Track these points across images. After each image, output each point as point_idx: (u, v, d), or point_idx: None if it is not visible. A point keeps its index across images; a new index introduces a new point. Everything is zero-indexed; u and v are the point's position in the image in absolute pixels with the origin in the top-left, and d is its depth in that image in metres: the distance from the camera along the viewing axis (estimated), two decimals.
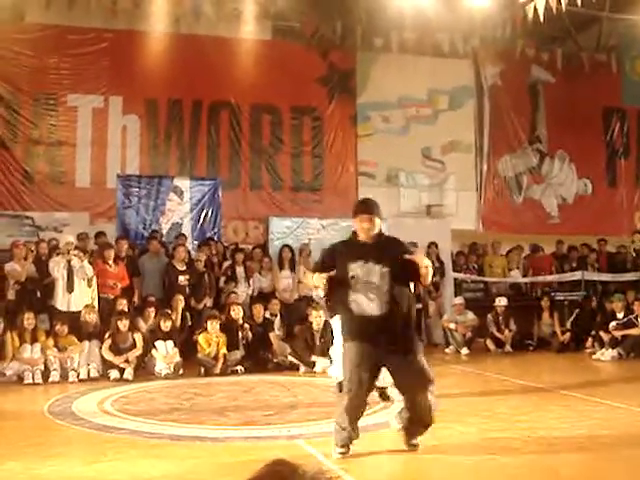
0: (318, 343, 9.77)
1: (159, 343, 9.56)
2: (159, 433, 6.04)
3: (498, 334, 12.12)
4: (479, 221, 15.90)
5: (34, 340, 9.20)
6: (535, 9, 12.17)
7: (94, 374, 9.18)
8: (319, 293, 7.29)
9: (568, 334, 12.07)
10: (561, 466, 5.06)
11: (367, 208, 5.26)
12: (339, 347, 7.19)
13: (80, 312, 9.83)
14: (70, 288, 9.99)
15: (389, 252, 5.17)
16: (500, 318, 12.23)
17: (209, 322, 9.70)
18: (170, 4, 13.30)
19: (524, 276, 14.27)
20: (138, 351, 9.46)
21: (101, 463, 5.14)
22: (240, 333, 10.01)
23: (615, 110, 16.92)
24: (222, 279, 11.84)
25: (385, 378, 7.08)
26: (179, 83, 14.12)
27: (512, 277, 14.15)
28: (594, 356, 11.15)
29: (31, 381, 8.78)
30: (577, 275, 13.62)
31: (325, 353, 9.51)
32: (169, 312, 10.15)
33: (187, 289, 11.06)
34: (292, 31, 14.77)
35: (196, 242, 12.58)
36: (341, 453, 5.14)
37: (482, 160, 16.07)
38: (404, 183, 15.38)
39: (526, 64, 16.15)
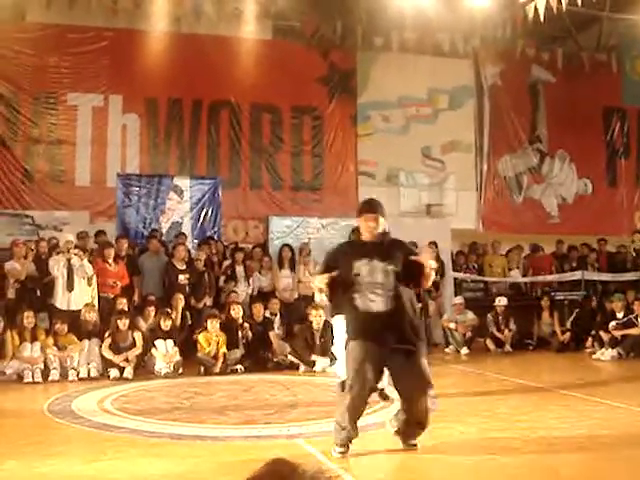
0: (318, 342, 9.77)
1: (159, 342, 9.56)
2: (159, 432, 6.04)
3: (498, 334, 12.12)
4: (479, 221, 15.90)
5: (34, 339, 9.20)
6: (535, 9, 12.17)
7: (94, 373, 9.18)
8: (322, 297, 7.28)
9: (568, 334, 12.07)
10: (561, 466, 5.06)
11: (372, 207, 5.33)
12: (342, 346, 7.21)
13: (80, 311, 9.83)
14: (70, 287, 10.00)
15: (393, 251, 5.22)
16: (500, 318, 12.22)
17: (209, 321, 9.70)
18: (171, 3, 13.29)
19: (524, 276, 14.27)
20: (138, 350, 9.46)
21: (101, 462, 5.14)
22: (240, 332, 10.01)
23: (615, 110, 16.91)
24: (222, 278, 11.84)
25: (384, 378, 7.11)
26: (179, 82, 14.11)
27: (512, 277, 14.15)
28: (594, 356, 11.15)
29: (31, 380, 8.78)
30: (577, 275, 13.62)
31: (325, 352, 9.52)
32: (169, 311, 10.15)
33: (187, 288, 11.07)
34: (292, 31, 14.77)
35: (196, 241, 12.58)
36: (340, 452, 5.14)
37: (482, 160, 16.07)
38: (404, 183, 15.38)
39: (526, 64, 16.14)
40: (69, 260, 10.02)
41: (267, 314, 10.75)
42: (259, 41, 14.52)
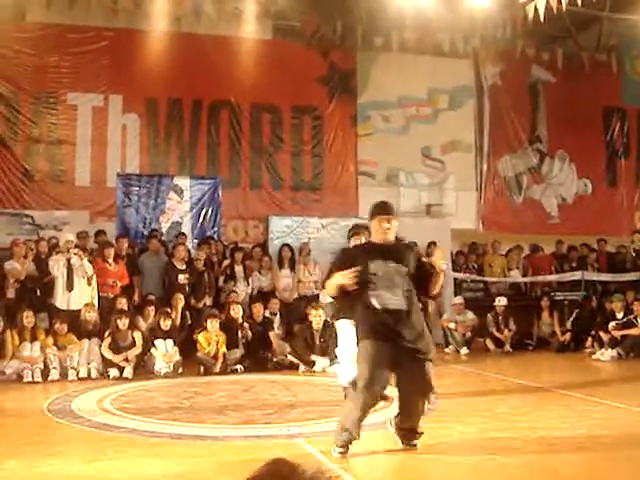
0: (318, 342, 9.77)
1: (159, 342, 9.56)
2: (159, 432, 6.04)
3: (498, 334, 12.12)
4: (479, 221, 15.91)
5: (34, 338, 9.20)
6: (535, 9, 12.17)
7: (94, 373, 9.18)
8: (327, 298, 7.24)
9: (568, 334, 12.07)
10: (561, 466, 5.06)
11: (386, 209, 5.32)
12: (348, 347, 7.19)
13: (80, 311, 9.83)
14: (70, 287, 10.00)
15: (406, 254, 5.26)
16: (500, 318, 12.23)
17: (209, 321, 9.70)
18: (171, 3, 13.29)
19: (524, 276, 14.27)
20: (138, 350, 9.46)
21: (101, 462, 5.14)
22: (240, 332, 10.01)
23: (615, 110, 16.91)
24: (221, 278, 11.84)
25: None
26: (179, 82, 14.11)
27: (512, 277, 14.15)
28: (594, 356, 11.16)
29: (31, 379, 8.78)
30: (577, 275, 13.62)
31: (325, 352, 9.52)
32: (169, 311, 10.15)
33: (187, 288, 11.07)
34: (293, 30, 14.77)
35: (196, 241, 12.57)
36: (340, 453, 5.13)
37: (482, 160, 16.08)
38: (404, 182, 15.38)
39: (526, 64, 16.14)
40: (69, 260, 10.02)
41: (267, 314, 10.76)
42: (259, 41, 14.52)
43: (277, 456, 1.81)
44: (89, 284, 10.15)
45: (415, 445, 5.25)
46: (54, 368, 9.02)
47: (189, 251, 11.78)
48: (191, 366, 9.58)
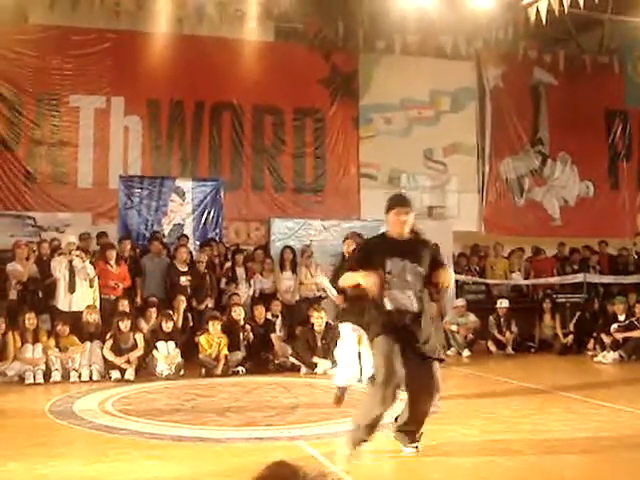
0: (319, 344, 9.76)
1: (160, 344, 9.56)
2: (160, 434, 6.03)
3: (499, 336, 12.12)
4: (481, 223, 15.91)
5: (35, 340, 9.20)
6: (537, 11, 12.19)
7: (96, 375, 9.17)
8: (333, 292, 7.23)
9: (570, 336, 12.06)
10: (563, 468, 5.05)
11: (403, 202, 5.26)
12: (347, 351, 7.21)
13: (82, 312, 9.83)
14: (72, 288, 10.00)
15: (423, 252, 5.20)
16: (501, 320, 12.22)
17: (210, 323, 9.70)
18: (173, 5, 13.30)
19: (526, 278, 14.25)
20: (139, 352, 9.46)
21: (102, 463, 5.14)
22: (241, 334, 10.01)
23: (617, 112, 16.91)
24: (223, 280, 11.84)
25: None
26: (181, 84, 14.14)
27: (514, 279, 14.14)
28: (596, 358, 11.14)
29: (32, 381, 8.78)
30: (579, 277, 13.61)
31: (326, 354, 9.51)
32: (170, 313, 10.15)
33: (188, 290, 11.07)
34: (295, 32, 14.79)
35: (198, 243, 12.57)
36: (351, 454, 5.06)
37: (484, 162, 16.08)
38: (406, 185, 15.35)
39: (528, 66, 16.15)
40: (71, 262, 10.02)
41: (269, 316, 10.75)
42: (261, 43, 14.54)
43: (279, 459, 1.81)
44: (91, 286, 10.15)
45: (417, 447, 5.24)
46: (56, 370, 9.02)
47: (191, 253, 11.78)
48: (193, 368, 9.57)
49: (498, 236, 15.14)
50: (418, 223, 5.77)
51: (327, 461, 5.08)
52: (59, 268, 10.05)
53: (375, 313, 5.17)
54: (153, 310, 10.32)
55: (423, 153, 15.72)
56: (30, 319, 9.26)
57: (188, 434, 6.04)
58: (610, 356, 10.95)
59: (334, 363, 8.56)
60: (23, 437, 5.96)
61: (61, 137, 13.67)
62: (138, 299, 11.07)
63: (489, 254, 14.46)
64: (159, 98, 14.20)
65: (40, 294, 10.65)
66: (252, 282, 11.87)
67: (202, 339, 9.65)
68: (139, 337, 9.59)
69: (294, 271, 12.10)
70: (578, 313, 12.37)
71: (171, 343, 9.61)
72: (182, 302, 10.59)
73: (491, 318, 12.30)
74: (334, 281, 7.08)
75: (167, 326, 9.72)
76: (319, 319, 9.77)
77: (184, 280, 11.06)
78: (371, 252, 5.26)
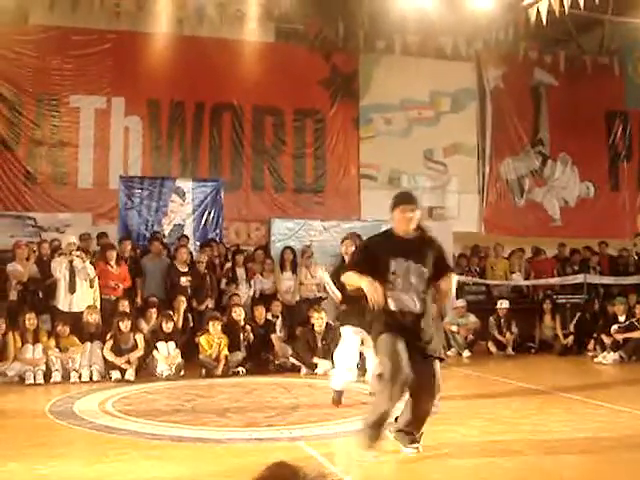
0: (320, 345, 9.76)
1: (160, 344, 9.56)
2: (160, 434, 6.03)
3: (500, 337, 12.12)
4: (481, 224, 15.92)
5: (36, 340, 9.20)
6: (538, 12, 12.19)
7: (96, 375, 9.17)
8: (335, 291, 7.21)
9: (570, 337, 12.06)
10: (563, 469, 5.05)
11: (410, 199, 5.23)
12: (346, 354, 7.20)
13: (82, 313, 9.83)
14: (72, 289, 10.00)
15: (428, 253, 5.17)
16: (502, 321, 12.22)
17: (211, 323, 9.69)
18: (173, 6, 13.31)
19: (526, 279, 14.25)
20: (139, 352, 9.46)
21: (102, 464, 5.14)
22: (242, 334, 10.00)
23: (618, 113, 16.92)
24: (224, 281, 11.84)
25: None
26: (182, 85, 14.15)
27: (514, 280, 14.14)
28: (596, 359, 11.14)
29: (32, 381, 8.78)
30: (579, 278, 13.61)
31: (327, 355, 9.51)
32: (171, 313, 10.15)
33: (189, 290, 11.07)
34: (295, 33, 14.80)
35: (198, 243, 12.57)
36: (371, 455, 5.00)
37: (484, 162, 16.09)
38: (406, 185, 15.36)
39: (529, 67, 16.16)
40: (71, 262, 10.02)
41: (269, 316, 10.75)
42: (261, 44, 14.55)
43: (279, 459, 1.81)
44: (91, 286, 10.14)
45: (417, 448, 5.24)
46: (56, 370, 9.02)
47: (191, 253, 11.78)
48: (193, 369, 9.57)
49: (498, 237, 15.14)
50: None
51: (327, 461, 5.08)
52: (59, 268, 10.05)
53: (378, 312, 5.16)
54: (153, 310, 10.32)
55: (423, 154, 15.73)
56: (30, 319, 9.26)
57: (188, 434, 6.04)
58: (610, 357, 10.95)
59: (333, 365, 8.56)
60: (23, 437, 5.96)
61: (61, 137, 13.68)
62: (138, 299, 11.06)
63: (489, 255, 14.46)
64: (159, 99, 14.21)
65: (40, 294, 10.66)
66: (252, 283, 11.87)
67: (202, 340, 9.65)
68: (139, 337, 9.59)
69: (294, 272, 12.10)
70: (578, 314, 12.37)
71: (171, 343, 9.61)
72: (182, 302, 10.59)
73: (491, 319, 12.30)
74: (334, 278, 7.07)
75: (167, 326, 9.72)
76: (319, 320, 9.76)
77: (184, 280, 11.06)
78: (375, 250, 5.23)
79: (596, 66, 16.15)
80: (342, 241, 7.63)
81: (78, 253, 10.09)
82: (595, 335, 11.74)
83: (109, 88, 13.92)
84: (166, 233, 12.62)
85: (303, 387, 8.73)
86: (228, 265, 12.03)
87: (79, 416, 6.83)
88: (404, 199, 5.24)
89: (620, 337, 11.16)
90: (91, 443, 5.87)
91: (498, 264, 14.13)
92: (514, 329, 12.16)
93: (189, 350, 9.96)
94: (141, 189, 12.70)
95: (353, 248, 7.20)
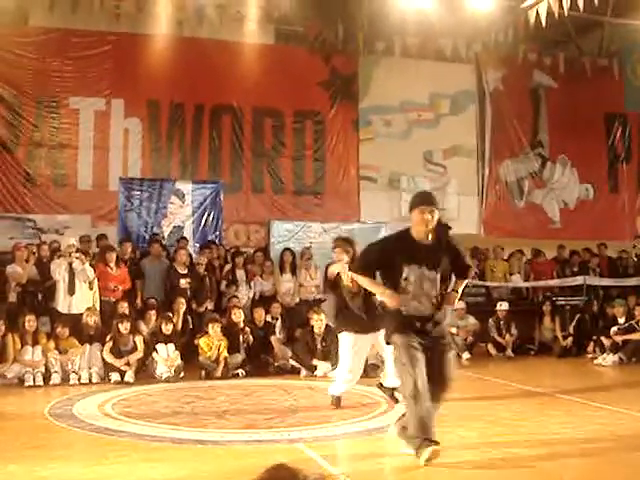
0: (319, 347, 9.76)
1: (160, 346, 9.55)
2: (160, 436, 6.03)
3: (499, 339, 12.11)
4: (480, 225, 15.92)
5: (35, 342, 9.19)
6: (537, 14, 12.21)
7: (95, 377, 9.16)
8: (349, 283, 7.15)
9: (569, 339, 12.05)
10: (562, 471, 5.05)
11: (429, 199, 5.15)
12: (345, 362, 7.21)
13: (81, 314, 9.82)
14: (71, 290, 10.00)
15: (444, 257, 5.14)
16: (501, 323, 12.21)
17: (210, 325, 9.69)
18: (173, 8, 13.32)
19: (525, 281, 14.24)
20: (139, 354, 9.45)
21: (102, 466, 5.14)
22: (241, 336, 10.00)
23: (617, 115, 16.93)
24: (223, 283, 11.84)
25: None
26: (181, 86, 14.16)
27: (513, 282, 14.13)
28: (595, 361, 11.14)
29: (32, 383, 8.78)
30: (579, 280, 13.61)
31: (326, 357, 9.51)
32: (170, 315, 10.14)
33: (188, 292, 11.06)
34: (295, 35, 14.81)
35: (197, 245, 12.57)
36: (428, 456, 4.92)
37: (484, 164, 16.10)
38: (406, 187, 15.39)
39: (528, 69, 16.18)
40: (70, 264, 10.01)
41: (268, 318, 10.75)
42: (261, 45, 14.56)
43: (278, 461, 1.81)
44: (91, 288, 10.14)
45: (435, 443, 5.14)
46: (55, 372, 9.01)
47: (190, 255, 11.78)
48: (192, 370, 9.56)
49: (498, 238, 15.14)
50: None
51: (327, 463, 5.08)
52: (59, 270, 10.05)
53: (391, 313, 5.18)
54: (153, 312, 10.32)
55: (423, 155, 15.74)
56: (30, 321, 9.25)
57: (188, 436, 6.03)
58: (610, 359, 10.95)
59: (334, 366, 8.57)
60: (23, 439, 5.95)
61: (61, 139, 13.68)
62: (138, 301, 11.05)
63: (489, 256, 14.44)
64: (159, 100, 14.21)
65: (40, 296, 10.67)
66: (252, 284, 11.86)
67: (202, 341, 9.65)
68: (139, 339, 9.58)
69: (294, 273, 12.10)
70: (578, 316, 12.36)
71: (171, 345, 9.60)
72: (182, 304, 10.58)
73: (491, 321, 12.29)
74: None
75: (167, 328, 9.72)
76: (319, 321, 9.76)
77: (184, 282, 11.05)
78: (390, 254, 5.14)
79: (595, 68, 16.17)
80: (333, 248, 7.54)
81: (78, 255, 10.08)
82: (595, 337, 11.74)
83: (109, 90, 13.92)
84: (165, 235, 12.61)
85: (303, 389, 8.72)
86: (228, 267, 12.03)
87: (78, 418, 6.82)
88: (423, 200, 5.15)
89: (619, 339, 11.15)
90: (91, 445, 5.87)
91: (497, 266, 14.12)
92: (514, 331, 12.16)
93: (189, 352, 9.95)
94: (141, 191, 12.69)
95: (345, 257, 7.15)
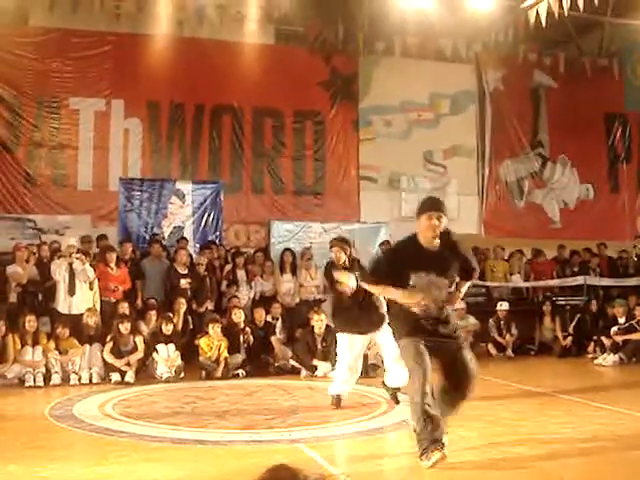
0: (319, 347, 9.75)
1: (160, 346, 9.55)
2: (160, 436, 6.03)
3: (499, 339, 12.11)
4: (481, 225, 15.92)
5: (35, 343, 9.20)
6: (537, 14, 12.21)
7: (96, 377, 9.16)
8: (350, 283, 7.14)
9: (570, 339, 12.05)
10: (563, 471, 5.04)
11: (436, 205, 5.13)
12: (343, 362, 7.22)
13: (81, 315, 9.82)
14: (72, 291, 10.00)
15: (452, 262, 5.12)
16: (501, 323, 12.21)
17: (210, 326, 9.69)
18: (173, 8, 13.32)
19: (526, 281, 14.24)
20: (139, 354, 9.45)
21: (102, 466, 5.14)
22: (241, 337, 10.00)
23: (617, 115, 16.93)
24: (224, 283, 11.84)
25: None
26: (181, 86, 14.15)
27: (513, 282, 14.13)
28: (596, 361, 11.14)
29: (32, 384, 8.78)
30: (579, 280, 13.61)
31: (327, 357, 9.51)
32: (170, 315, 10.14)
33: (189, 292, 11.06)
34: (295, 35, 14.81)
35: (197, 245, 12.58)
36: (434, 462, 4.89)
37: (484, 164, 16.10)
38: (406, 187, 15.40)
39: (528, 69, 16.18)
40: (71, 264, 10.01)
41: (269, 319, 10.75)
42: (261, 45, 14.56)
43: (279, 461, 1.81)
44: (91, 288, 10.14)
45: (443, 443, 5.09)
46: (56, 372, 9.02)
47: (191, 256, 11.78)
48: (193, 371, 9.57)
49: (498, 238, 15.13)
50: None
51: (327, 463, 5.08)
52: (59, 271, 10.05)
53: (399, 316, 5.20)
54: (153, 313, 10.32)
55: (423, 155, 15.74)
56: (30, 322, 9.26)
57: (188, 437, 6.04)
58: (610, 359, 10.95)
59: (334, 366, 8.56)
60: (23, 440, 5.95)
61: (61, 139, 13.68)
62: (138, 302, 11.05)
63: (489, 256, 14.43)
64: (159, 100, 14.21)
65: (40, 297, 10.67)
66: (253, 285, 11.86)
67: (202, 342, 9.65)
68: (139, 340, 9.58)
69: (294, 274, 12.10)
70: (578, 316, 12.35)
71: (171, 346, 9.61)
72: (182, 305, 10.58)
73: (491, 321, 12.29)
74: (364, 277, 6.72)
75: (167, 329, 9.72)
76: (319, 322, 9.76)
77: (184, 283, 11.05)
78: (397, 262, 5.13)
79: (595, 68, 16.16)
80: (330, 247, 7.57)
81: (78, 255, 10.08)
82: (595, 337, 11.74)
83: (109, 90, 13.91)
84: (166, 235, 12.62)
85: (303, 389, 8.73)
86: (228, 267, 12.03)
87: (79, 418, 6.83)
88: (431, 205, 5.13)
89: (620, 339, 11.15)
90: (91, 445, 5.87)
91: (498, 266, 14.11)
92: (514, 331, 12.16)
93: (189, 352, 9.95)
94: (141, 191, 12.70)
95: (342, 255, 7.19)
